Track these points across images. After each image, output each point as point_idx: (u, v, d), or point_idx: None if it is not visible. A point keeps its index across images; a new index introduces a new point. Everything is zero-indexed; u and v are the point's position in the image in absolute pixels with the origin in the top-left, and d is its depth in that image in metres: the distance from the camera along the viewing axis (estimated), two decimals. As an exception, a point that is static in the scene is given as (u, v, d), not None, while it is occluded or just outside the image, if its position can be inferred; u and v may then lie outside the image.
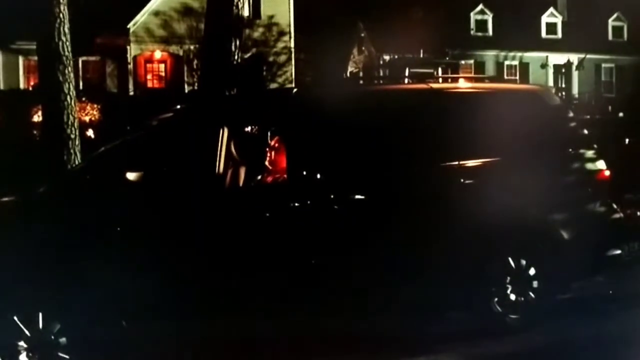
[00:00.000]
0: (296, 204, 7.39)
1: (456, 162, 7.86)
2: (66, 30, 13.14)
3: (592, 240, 8.22)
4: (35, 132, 23.02)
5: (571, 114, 9.00)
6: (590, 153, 8.59)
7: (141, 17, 42.26)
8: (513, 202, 7.89)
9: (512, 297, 8.05)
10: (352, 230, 7.54)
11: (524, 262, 8.05)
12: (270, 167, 8.34)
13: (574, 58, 53.36)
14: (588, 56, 52.69)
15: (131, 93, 40.11)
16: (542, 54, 55.02)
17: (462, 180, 7.85)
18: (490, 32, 56.54)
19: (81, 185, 7.35)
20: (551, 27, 57.89)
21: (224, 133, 7.95)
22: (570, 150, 8.54)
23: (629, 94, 36.61)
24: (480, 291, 7.95)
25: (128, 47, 41.96)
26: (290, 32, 44.57)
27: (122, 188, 7.17)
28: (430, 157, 7.86)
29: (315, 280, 7.47)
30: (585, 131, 8.80)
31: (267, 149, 8.41)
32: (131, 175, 7.20)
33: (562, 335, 7.82)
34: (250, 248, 7.35)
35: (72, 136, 13.16)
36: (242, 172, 8.51)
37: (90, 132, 25.83)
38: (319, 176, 7.44)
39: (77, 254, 6.94)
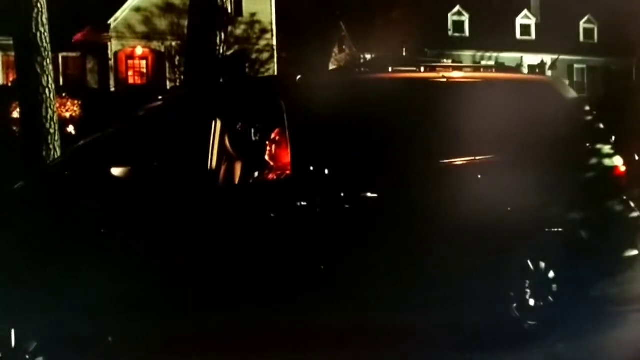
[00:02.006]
0: (302, 203, 6.78)
1: (471, 158, 7.36)
2: (44, 20, 12.59)
3: (610, 240, 7.80)
4: (15, 128, 22.56)
5: (587, 107, 8.41)
6: (607, 148, 8.08)
7: (122, 13, 42.01)
8: (531, 201, 7.41)
9: (531, 302, 7.56)
10: (363, 231, 6.98)
11: (543, 264, 7.57)
12: (271, 163, 7.66)
13: (547, 59, 54.12)
14: (560, 57, 53.52)
15: (112, 89, 39.74)
16: (517, 55, 55.78)
17: (478, 176, 7.33)
18: (467, 33, 57.68)
19: (59, 182, 6.71)
20: (525, 29, 59.26)
21: (217, 124, 7.40)
22: (587, 145, 8.05)
23: (602, 93, 36.87)
24: (499, 296, 7.45)
25: (109, 43, 41.70)
26: (272, 30, 44.57)
27: (107, 185, 6.53)
28: (445, 152, 7.33)
29: (324, 287, 6.92)
30: (601, 125, 8.31)
31: (267, 143, 7.72)
32: (116, 171, 6.56)
33: (582, 342, 7.37)
34: (247, 251, 6.75)
35: (52, 131, 12.61)
36: (238, 168, 8.01)
37: (70, 129, 25.58)
38: (327, 172, 6.84)
39: (56, 258, 6.22)
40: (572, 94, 8.21)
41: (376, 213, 7.04)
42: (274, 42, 44.45)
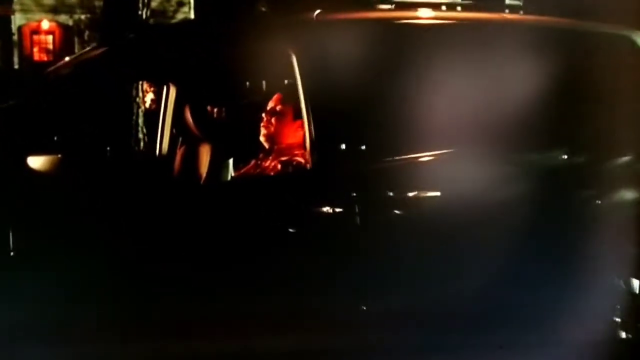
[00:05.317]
0: (330, 208, 4.46)
1: (543, 141, 5.23)
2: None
3: None
4: None
5: None
6: None
7: (27, -17, 40.43)
8: (617, 197, 5.39)
9: (622, 334, 5.46)
10: (431, 242, 4.76)
11: (636, 283, 5.44)
12: (269, 145, 5.30)
13: (474, 33, 55.40)
14: (486, 31, 54.61)
15: (16, 67, 38.15)
16: (442, 28, 56.54)
17: (555, 165, 5.28)
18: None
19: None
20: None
21: (171, 91, 5.48)
22: None
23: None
24: (583, 328, 5.18)
25: (12, 17, 39.89)
26: (189, 3, 42.70)
27: (21, 181, 4.43)
28: (518, 132, 5.07)
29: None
30: None
31: (264, 116, 5.36)
32: (36, 161, 4.39)
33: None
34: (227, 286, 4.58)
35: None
36: (204, 155, 5.72)
37: (-30, 109, 23.66)
38: (370, 155, 4.53)
39: None
40: None
41: (445, 217, 4.80)
42: (192, 16, 42.69)
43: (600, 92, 5.41)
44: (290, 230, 4.48)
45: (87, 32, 37.01)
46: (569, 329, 5.21)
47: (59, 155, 4.36)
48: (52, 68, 5.09)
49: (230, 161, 5.86)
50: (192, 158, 5.76)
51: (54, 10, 39.86)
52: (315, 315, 4.57)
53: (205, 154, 5.71)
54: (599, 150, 5.41)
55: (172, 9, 41.49)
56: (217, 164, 5.75)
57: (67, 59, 5.37)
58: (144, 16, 12.17)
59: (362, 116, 4.64)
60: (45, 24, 40.37)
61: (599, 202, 5.29)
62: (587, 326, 5.27)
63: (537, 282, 5.09)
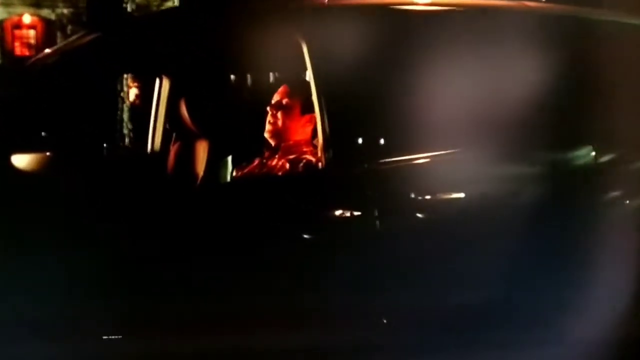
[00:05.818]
0: (347, 212, 4.17)
1: (565, 139, 4.90)
2: None
3: None
4: None
5: None
6: None
7: (8, -24, 40.24)
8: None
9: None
10: (434, 247, 4.45)
11: None
12: (274, 142, 4.96)
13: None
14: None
15: None
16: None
17: (572, 165, 4.96)
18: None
19: None
20: None
21: (163, 84, 5.23)
22: None
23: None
24: (601, 330, 4.75)
25: None
26: (174, -3, 42.89)
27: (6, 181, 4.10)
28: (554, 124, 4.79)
29: None
30: None
31: (269, 110, 5.02)
32: (21, 160, 4.01)
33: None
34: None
35: None
36: (201, 152, 5.35)
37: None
38: (382, 146, 4.28)
39: None
40: None
41: (462, 216, 4.51)
42: (176, 10, 42.79)
43: (622, 88, 5.12)
44: (301, 234, 4.21)
45: (69, 27, 36.40)
46: (588, 330, 4.84)
47: (48, 154, 4.02)
48: (36, 58, 4.76)
49: (230, 159, 5.51)
50: (187, 155, 5.40)
51: (36, 5, 39.40)
52: (315, 316, 4.40)
53: (202, 151, 5.36)
54: (621, 149, 5.03)
55: (155, 3, 41.46)
56: (216, 163, 5.47)
57: (47, 50, 5.00)
58: (128, 9, 12.35)
59: (379, 110, 4.38)
60: (27, 18, 39.97)
61: (625, 202, 4.92)
62: (605, 329, 4.95)
63: (554, 284, 4.73)
